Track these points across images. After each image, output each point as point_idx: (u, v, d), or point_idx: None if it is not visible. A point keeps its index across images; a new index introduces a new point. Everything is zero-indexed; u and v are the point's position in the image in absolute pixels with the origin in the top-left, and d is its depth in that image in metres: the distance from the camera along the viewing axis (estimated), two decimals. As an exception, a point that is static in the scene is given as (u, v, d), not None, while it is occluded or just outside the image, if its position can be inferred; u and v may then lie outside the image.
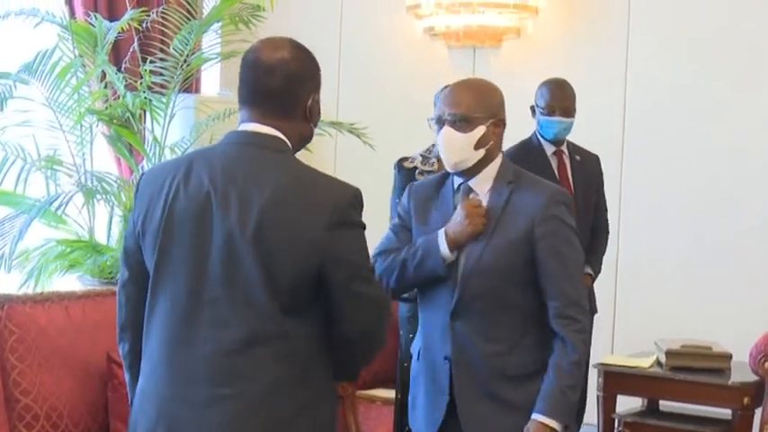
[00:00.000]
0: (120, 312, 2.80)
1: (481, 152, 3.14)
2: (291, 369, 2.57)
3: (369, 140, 6.08)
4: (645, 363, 5.13)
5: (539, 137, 4.97)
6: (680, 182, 6.24)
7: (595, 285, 5.11)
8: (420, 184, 3.40)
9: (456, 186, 3.23)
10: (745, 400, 4.89)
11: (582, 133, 5.17)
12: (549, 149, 4.96)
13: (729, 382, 4.91)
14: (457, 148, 3.13)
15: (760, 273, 5.96)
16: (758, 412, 4.97)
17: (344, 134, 6.25)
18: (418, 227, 3.25)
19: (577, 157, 5.02)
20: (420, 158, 4.56)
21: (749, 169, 6.06)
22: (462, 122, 3.14)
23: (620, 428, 5.02)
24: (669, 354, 5.05)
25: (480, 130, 3.14)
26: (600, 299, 5.21)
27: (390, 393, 4.60)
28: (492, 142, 3.16)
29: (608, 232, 5.17)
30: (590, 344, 3.14)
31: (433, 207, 3.25)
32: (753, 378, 4.98)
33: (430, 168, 4.51)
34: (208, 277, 2.57)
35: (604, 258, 5.28)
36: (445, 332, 3.16)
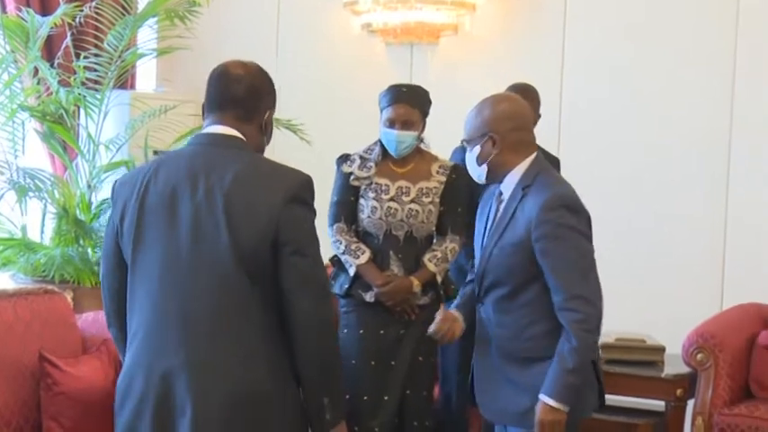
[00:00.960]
0: (105, 302, 3.12)
1: (485, 166, 3.49)
2: (258, 336, 2.87)
3: (306, 137, 6.08)
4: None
5: None
6: (615, 173, 6.29)
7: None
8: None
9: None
10: (678, 391, 4.95)
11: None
12: None
13: (663, 375, 4.97)
14: (469, 165, 3.55)
15: (692, 266, 6.04)
16: (691, 404, 5.04)
17: (282, 130, 6.23)
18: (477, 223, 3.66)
19: None
20: (359, 161, 4.53)
21: (686, 159, 6.13)
22: (467, 144, 3.54)
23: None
24: (603, 347, 5.08)
25: (477, 150, 3.49)
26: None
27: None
28: (493, 155, 3.46)
29: None
30: (595, 332, 3.37)
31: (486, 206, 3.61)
32: (685, 370, 5.05)
33: (366, 174, 4.50)
34: (179, 255, 2.89)
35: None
36: (478, 316, 3.57)
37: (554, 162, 5.10)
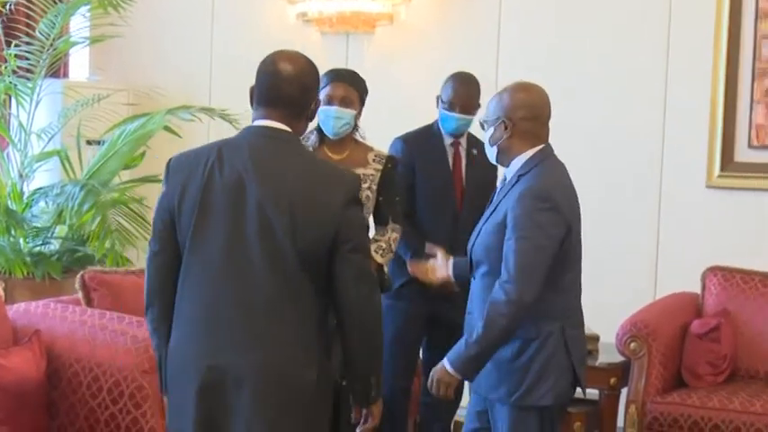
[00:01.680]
0: (149, 281, 3.22)
1: (495, 148, 3.67)
2: (309, 324, 3.10)
3: (240, 127, 6.03)
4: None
5: (439, 125, 4.96)
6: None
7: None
8: None
9: None
10: (612, 380, 5.00)
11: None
12: (448, 140, 4.94)
13: (597, 363, 5.01)
14: (486, 144, 3.73)
15: (626, 256, 6.09)
16: (624, 392, 5.10)
17: (216, 120, 6.19)
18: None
19: (474, 151, 4.98)
20: None
21: (620, 147, 6.17)
22: (484, 124, 3.72)
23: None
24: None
25: (491, 131, 3.67)
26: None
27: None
28: (503, 139, 3.64)
29: None
30: (509, 319, 3.46)
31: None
32: (619, 359, 5.10)
33: None
34: (242, 244, 3.05)
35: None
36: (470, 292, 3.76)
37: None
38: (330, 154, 4.51)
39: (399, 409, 4.90)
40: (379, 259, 4.54)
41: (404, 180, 4.77)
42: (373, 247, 4.52)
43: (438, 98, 4.94)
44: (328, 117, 4.47)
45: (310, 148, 4.49)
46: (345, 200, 3.10)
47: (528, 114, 3.65)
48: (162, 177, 3.22)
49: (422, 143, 4.89)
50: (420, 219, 4.84)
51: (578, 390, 5.13)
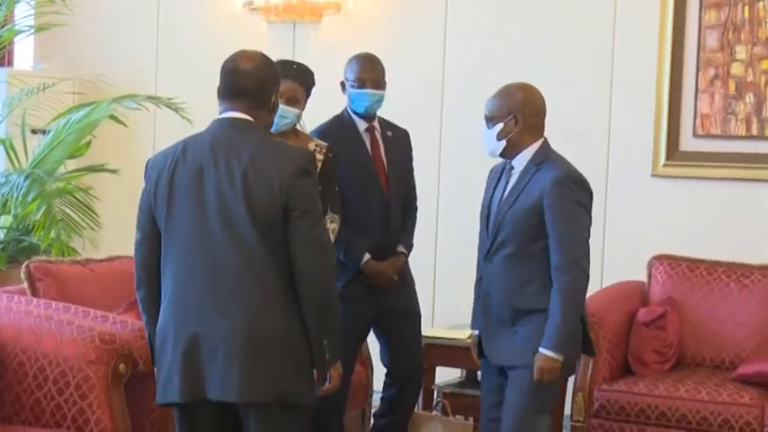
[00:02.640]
0: (136, 267, 3.57)
1: (503, 142, 4.05)
2: (273, 289, 3.38)
3: (187, 116, 6.00)
4: (464, 334, 5.22)
5: (350, 113, 4.94)
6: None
7: (415, 260, 5.14)
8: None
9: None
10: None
11: (402, 107, 5.20)
12: (362, 126, 4.89)
13: (544, 352, 5.04)
14: (486, 139, 4.10)
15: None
16: (571, 380, 5.12)
17: (162, 109, 6.15)
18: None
19: (389, 133, 4.95)
20: None
21: (568, 138, 6.17)
22: (489, 121, 4.10)
23: (440, 399, 5.09)
24: (487, 325, 5.15)
25: (500, 126, 4.05)
26: (420, 273, 5.26)
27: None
28: (514, 133, 4.04)
29: (416, 208, 5.14)
30: (582, 291, 4.02)
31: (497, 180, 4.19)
32: (567, 347, 5.12)
33: None
34: (206, 223, 3.40)
35: (425, 233, 5.31)
36: (484, 271, 4.19)
37: (404, 134, 5.07)
38: None
39: (339, 401, 4.89)
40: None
41: (337, 171, 4.72)
42: None
43: (343, 83, 4.89)
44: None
45: None
46: (295, 170, 3.40)
47: (534, 111, 4.10)
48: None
49: (337, 134, 4.80)
50: (350, 210, 4.76)
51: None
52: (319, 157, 4.55)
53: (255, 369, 3.36)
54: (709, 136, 5.89)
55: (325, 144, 4.61)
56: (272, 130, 4.45)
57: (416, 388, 5.00)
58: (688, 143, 5.95)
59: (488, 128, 4.10)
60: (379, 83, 4.84)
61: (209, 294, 3.40)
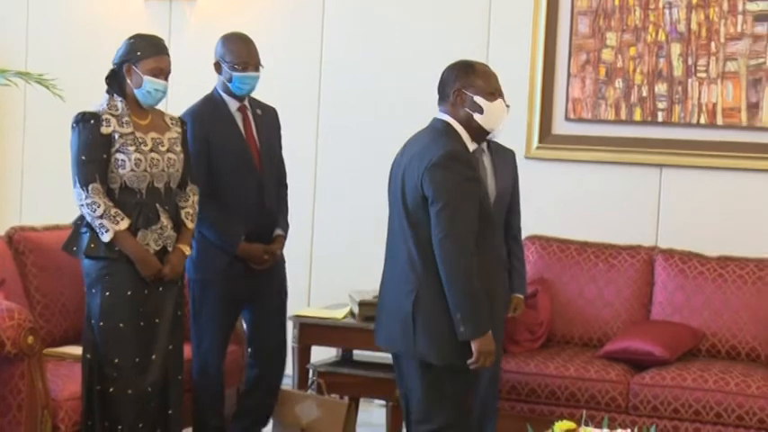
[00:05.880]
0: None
1: None
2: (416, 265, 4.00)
3: (58, 92, 5.90)
4: (339, 314, 5.25)
5: (221, 93, 4.91)
6: (374, 137, 6.38)
7: (291, 240, 5.14)
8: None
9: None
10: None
11: (279, 87, 5.19)
12: (233, 105, 4.87)
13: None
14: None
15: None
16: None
17: (33, 85, 6.03)
18: None
19: (258, 112, 4.97)
20: (113, 119, 4.42)
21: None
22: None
23: (315, 378, 5.11)
24: (362, 304, 5.18)
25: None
26: (296, 253, 5.28)
27: (79, 350, 4.51)
28: None
29: (287, 186, 5.15)
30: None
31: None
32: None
33: (129, 130, 4.39)
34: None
35: (302, 213, 5.32)
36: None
37: (272, 111, 5.10)
38: (138, 120, 4.46)
39: (215, 383, 4.90)
40: (190, 225, 4.58)
41: (201, 156, 4.75)
42: (182, 213, 4.56)
43: (218, 63, 4.86)
44: (157, 91, 4.45)
45: (126, 117, 4.42)
46: (427, 165, 3.99)
47: None
48: None
49: (210, 114, 4.82)
50: (223, 191, 4.79)
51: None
52: (178, 129, 4.59)
53: None
54: (580, 120, 6.01)
55: (177, 116, 4.64)
56: (148, 105, 4.45)
57: (281, 367, 5.05)
58: (560, 126, 6.06)
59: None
60: (258, 64, 4.85)
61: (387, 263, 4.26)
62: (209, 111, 4.82)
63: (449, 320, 3.91)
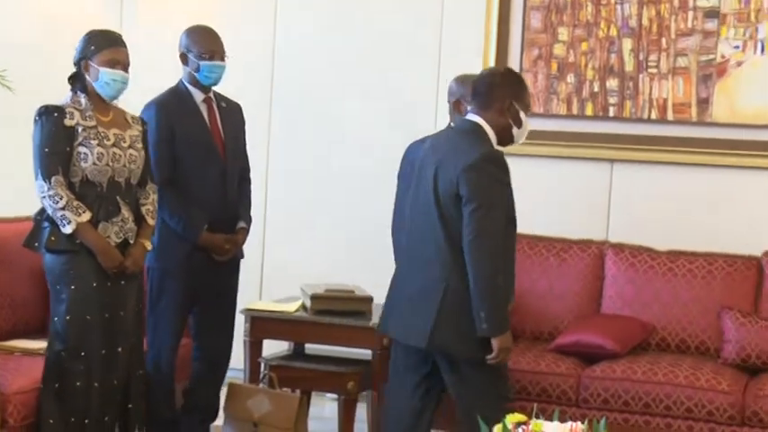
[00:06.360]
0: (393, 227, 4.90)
1: None
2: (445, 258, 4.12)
3: (7, 83, 5.83)
4: (291, 307, 5.24)
5: (186, 84, 4.92)
6: (327, 130, 6.38)
7: (242, 232, 5.14)
8: None
9: None
10: (385, 340, 5.06)
11: (231, 78, 5.14)
12: (199, 97, 4.91)
13: (370, 324, 5.08)
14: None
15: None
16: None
17: (-18, 77, 5.95)
18: None
19: (223, 104, 5.01)
20: (76, 112, 4.40)
21: (395, 117, 6.28)
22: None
23: (266, 372, 5.10)
24: (314, 298, 5.17)
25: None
26: (248, 246, 5.23)
27: (29, 344, 4.47)
28: None
29: (250, 180, 5.18)
30: None
31: None
32: (392, 319, 5.18)
33: (93, 123, 4.39)
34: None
35: (254, 206, 5.29)
36: None
37: (237, 107, 5.13)
38: (100, 116, 4.47)
39: (168, 376, 4.89)
40: (151, 222, 4.60)
41: (166, 144, 4.78)
42: (143, 210, 4.57)
43: (184, 55, 4.89)
44: (115, 81, 4.45)
45: (89, 111, 4.42)
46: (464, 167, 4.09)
47: None
48: None
49: (176, 105, 4.87)
50: (187, 180, 4.84)
51: (354, 351, 5.25)
52: (138, 127, 4.62)
53: None
54: (532, 114, 6.00)
55: (138, 116, 4.67)
56: (109, 97, 4.49)
57: (225, 365, 5.10)
58: (512, 121, 6.07)
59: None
60: (224, 54, 4.91)
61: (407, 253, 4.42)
62: (174, 101, 4.86)
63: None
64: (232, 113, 5.05)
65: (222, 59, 4.89)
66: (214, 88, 4.99)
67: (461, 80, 4.82)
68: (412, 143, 4.91)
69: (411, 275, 4.26)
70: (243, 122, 5.12)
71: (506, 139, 4.21)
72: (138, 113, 4.73)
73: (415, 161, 4.43)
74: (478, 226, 4.00)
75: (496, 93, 4.17)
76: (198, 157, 4.85)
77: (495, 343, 4.06)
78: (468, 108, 4.30)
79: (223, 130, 4.96)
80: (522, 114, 4.20)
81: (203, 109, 4.92)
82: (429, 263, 4.15)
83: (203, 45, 4.86)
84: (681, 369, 4.91)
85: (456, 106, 4.79)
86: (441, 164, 4.12)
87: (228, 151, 4.94)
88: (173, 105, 4.86)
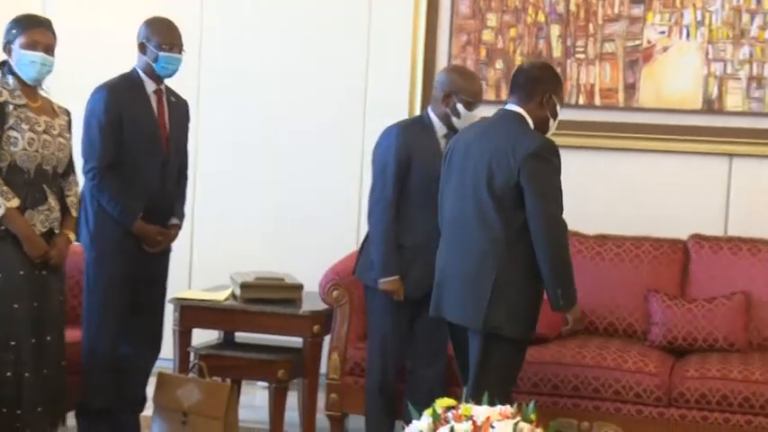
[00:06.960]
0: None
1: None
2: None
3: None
4: (220, 296, 5.21)
5: (139, 73, 4.91)
6: (254, 120, 6.35)
7: (172, 222, 5.11)
8: None
9: None
10: (315, 328, 5.09)
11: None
12: (150, 87, 4.92)
13: (300, 312, 5.09)
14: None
15: (327, 211, 6.20)
16: (327, 339, 5.19)
17: None
18: None
19: (173, 99, 5.03)
20: (6, 92, 4.35)
21: (323, 104, 6.26)
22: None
23: (196, 361, 5.06)
24: (244, 286, 5.15)
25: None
26: (178, 235, 5.21)
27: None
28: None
29: (188, 177, 5.19)
30: None
31: None
32: (322, 307, 5.18)
33: (22, 102, 4.36)
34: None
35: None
36: None
37: (185, 103, 5.15)
38: (29, 102, 4.43)
39: (102, 363, 4.85)
40: (75, 214, 4.60)
41: (112, 128, 4.77)
42: (68, 202, 4.56)
43: (143, 44, 4.88)
44: (34, 63, 4.42)
45: (18, 91, 4.39)
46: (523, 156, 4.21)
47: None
48: None
49: (127, 91, 4.87)
50: (128, 166, 4.83)
51: (284, 339, 5.23)
52: (65, 117, 4.60)
53: None
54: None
55: (64, 107, 4.63)
56: (31, 80, 4.44)
57: (154, 354, 5.07)
58: (441, 107, 6.07)
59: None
60: (182, 48, 4.94)
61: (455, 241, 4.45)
62: (125, 87, 4.87)
63: (527, 296, 4.24)
64: (179, 109, 5.07)
65: (180, 52, 4.91)
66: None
67: (459, 73, 4.94)
68: (390, 127, 4.95)
69: (456, 259, 4.34)
70: (188, 119, 5.15)
71: (543, 129, 4.35)
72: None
73: (408, 148, 4.76)
74: (547, 209, 4.14)
75: (538, 86, 4.31)
76: (141, 145, 4.85)
77: (570, 316, 4.28)
78: (509, 99, 4.41)
79: (169, 123, 4.96)
80: (558, 107, 4.35)
81: (153, 100, 4.93)
82: (478, 247, 4.24)
83: (163, 36, 4.87)
84: (608, 352, 4.96)
85: (445, 99, 4.82)
86: (494, 153, 4.22)
87: (171, 144, 4.95)
88: (123, 91, 4.86)
